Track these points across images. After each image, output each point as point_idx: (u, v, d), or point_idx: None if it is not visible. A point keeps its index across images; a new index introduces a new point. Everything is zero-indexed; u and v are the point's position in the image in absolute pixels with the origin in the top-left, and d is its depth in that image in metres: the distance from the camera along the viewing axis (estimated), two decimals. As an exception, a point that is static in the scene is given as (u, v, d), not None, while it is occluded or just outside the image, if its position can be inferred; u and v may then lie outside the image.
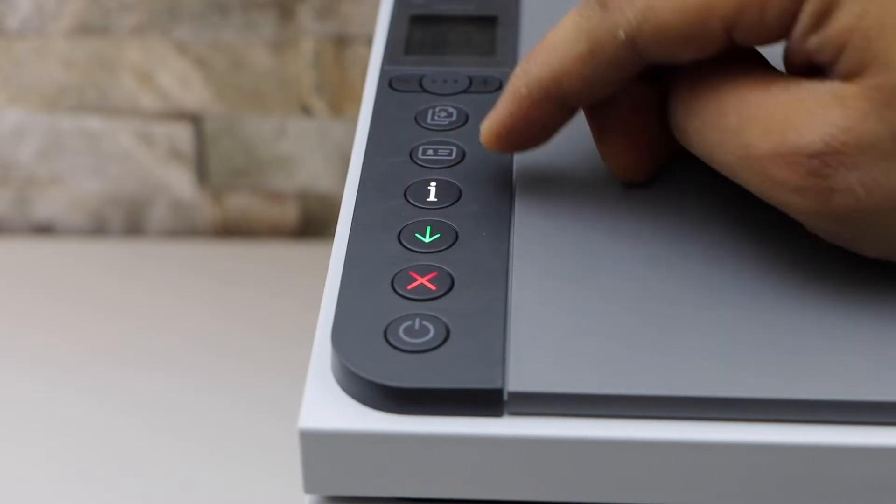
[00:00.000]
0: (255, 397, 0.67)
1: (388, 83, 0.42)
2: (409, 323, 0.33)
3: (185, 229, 0.78)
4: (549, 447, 0.31)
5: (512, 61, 0.42)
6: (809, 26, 0.32)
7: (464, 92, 0.41)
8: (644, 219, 0.36)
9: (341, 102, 0.74)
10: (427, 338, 0.32)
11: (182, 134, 0.75)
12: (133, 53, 0.73)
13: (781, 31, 0.32)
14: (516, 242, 0.35)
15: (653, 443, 0.31)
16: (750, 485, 0.31)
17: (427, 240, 0.35)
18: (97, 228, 0.79)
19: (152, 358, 0.70)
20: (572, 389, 0.31)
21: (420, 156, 0.38)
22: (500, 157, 0.38)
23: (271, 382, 0.68)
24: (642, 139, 0.36)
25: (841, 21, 0.31)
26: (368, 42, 0.71)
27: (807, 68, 0.32)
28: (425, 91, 0.41)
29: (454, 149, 0.39)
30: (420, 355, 0.32)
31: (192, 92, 0.74)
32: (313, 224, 0.78)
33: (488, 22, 0.45)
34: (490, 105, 0.40)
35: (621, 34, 0.33)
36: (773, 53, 0.34)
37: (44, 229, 0.79)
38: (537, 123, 0.35)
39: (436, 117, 0.40)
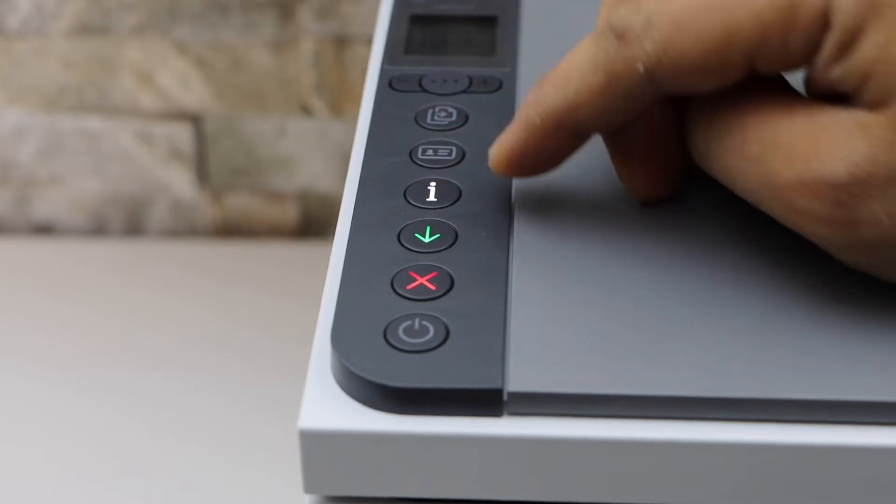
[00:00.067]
0: (255, 397, 0.67)
1: (388, 83, 0.42)
2: (409, 323, 0.33)
3: (185, 229, 0.78)
4: (548, 447, 0.31)
5: (512, 61, 0.42)
6: (833, 56, 0.31)
7: (464, 92, 0.41)
8: (645, 219, 0.36)
9: (341, 102, 0.74)
10: (427, 338, 0.32)
11: (182, 134, 0.75)
12: (133, 53, 0.73)
13: (804, 59, 0.32)
14: (516, 242, 0.35)
15: (653, 443, 0.31)
16: (750, 485, 0.31)
17: (427, 240, 0.35)
18: (97, 228, 0.79)
19: (152, 358, 0.70)
20: (572, 389, 0.31)
21: (420, 156, 0.38)
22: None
23: (271, 382, 0.68)
24: (661, 159, 0.35)
25: (865, 51, 0.30)
26: (368, 42, 0.71)
27: (829, 93, 0.32)
28: (425, 91, 0.41)
29: (454, 149, 0.39)
30: (420, 355, 0.32)
31: (192, 92, 0.74)
32: (313, 224, 0.78)
33: (488, 22, 0.45)
34: (490, 105, 0.40)
35: (640, 67, 0.32)
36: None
37: (44, 229, 0.79)
38: (549, 151, 0.35)
39: (436, 117, 0.40)
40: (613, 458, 0.31)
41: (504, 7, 0.45)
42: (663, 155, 0.35)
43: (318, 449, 0.32)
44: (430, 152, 0.38)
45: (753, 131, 0.32)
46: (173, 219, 0.78)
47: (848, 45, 0.31)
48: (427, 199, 0.37)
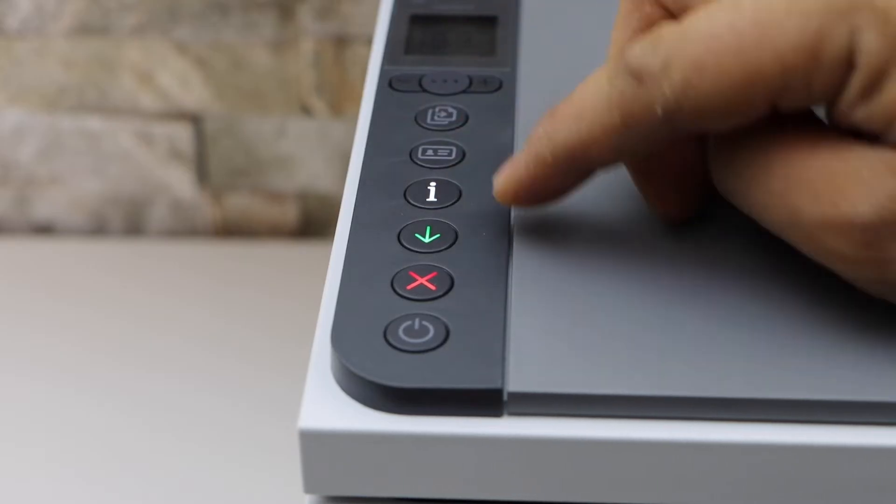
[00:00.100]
0: (255, 397, 0.67)
1: (388, 83, 0.42)
2: (409, 323, 0.33)
3: (185, 229, 0.78)
4: (548, 447, 0.31)
5: (512, 61, 0.42)
6: (858, 97, 0.30)
7: (464, 92, 0.41)
8: (645, 220, 0.36)
9: (341, 102, 0.74)
10: (427, 338, 0.32)
11: (182, 134, 0.75)
12: (133, 53, 0.73)
13: (827, 99, 0.31)
14: (516, 242, 0.35)
15: (652, 443, 0.31)
16: (749, 485, 0.31)
17: (427, 240, 0.35)
18: (97, 228, 0.79)
19: (152, 358, 0.70)
20: (572, 390, 0.31)
21: (420, 156, 0.38)
22: (500, 156, 0.38)
23: (271, 382, 0.68)
24: (685, 182, 0.35)
25: (891, 93, 0.30)
26: (368, 42, 0.71)
27: (853, 129, 0.31)
28: (425, 91, 0.41)
29: (454, 149, 0.39)
30: (420, 355, 0.32)
31: (192, 92, 0.74)
32: (313, 224, 0.78)
33: (488, 22, 0.45)
34: (490, 105, 0.40)
35: (658, 110, 0.31)
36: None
37: (44, 229, 0.79)
38: (557, 186, 0.34)
39: (436, 117, 0.40)
40: (613, 458, 0.31)
41: (504, 7, 0.45)
42: (687, 175, 0.35)
43: (318, 449, 0.32)
44: (430, 152, 0.38)
45: (777, 167, 0.31)
46: (173, 219, 0.78)
47: (874, 86, 0.30)
48: (427, 199, 0.37)
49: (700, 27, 0.31)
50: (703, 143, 0.34)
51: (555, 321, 0.33)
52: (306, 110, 0.74)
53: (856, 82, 0.30)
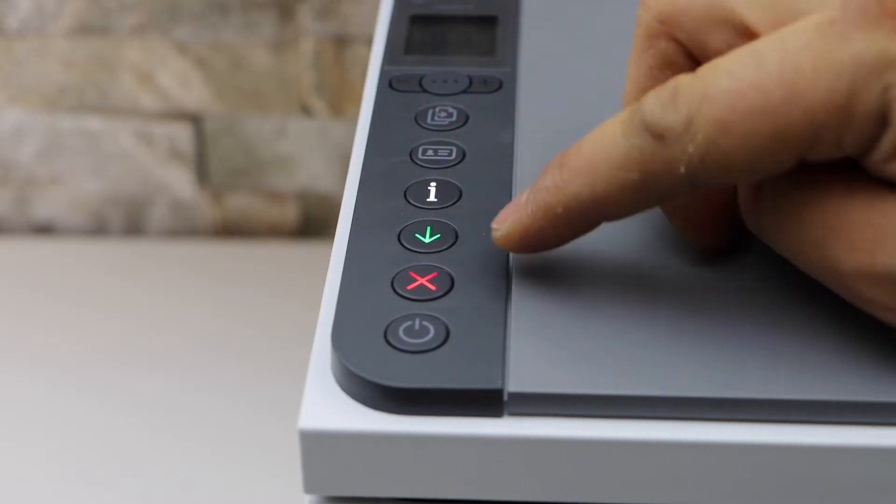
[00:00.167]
0: (255, 397, 0.67)
1: (388, 83, 0.42)
2: (409, 323, 0.33)
3: (185, 229, 0.78)
4: (548, 447, 0.31)
5: (512, 61, 0.42)
6: (890, 154, 0.29)
7: (464, 92, 0.41)
8: (646, 221, 0.36)
9: (341, 102, 0.74)
10: (427, 338, 0.32)
11: (182, 134, 0.75)
12: (133, 53, 0.73)
13: (858, 153, 0.30)
14: (516, 242, 0.35)
15: (652, 443, 0.31)
16: (749, 485, 0.31)
17: (427, 240, 0.35)
18: (97, 228, 0.79)
19: (152, 358, 0.70)
20: (572, 390, 0.31)
21: (420, 156, 0.38)
22: (500, 156, 0.38)
23: (271, 382, 0.68)
24: (719, 214, 0.34)
25: None
26: (368, 42, 0.71)
27: (885, 179, 0.30)
28: (425, 91, 0.41)
29: (454, 149, 0.39)
30: (420, 355, 0.32)
31: (192, 92, 0.74)
32: (313, 224, 0.78)
33: (488, 22, 0.45)
34: (490, 105, 0.40)
35: (681, 170, 0.30)
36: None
37: (44, 229, 0.79)
38: (565, 236, 0.33)
39: (436, 117, 0.40)
40: (613, 458, 0.31)
41: (504, 7, 0.45)
42: (722, 206, 0.34)
43: (319, 449, 0.32)
44: (430, 152, 0.38)
45: (810, 213, 0.30)
46: (173, 219, 0.78)
47: None
48: (427, 200, 0.37)
49: (722, 85, 0.30)
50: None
51: (555, 321, 0.33)
52: (306, 110, 0.74)
53: (889, 138, 0.29)
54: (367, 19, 0.71)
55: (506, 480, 0.32)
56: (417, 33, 0.44)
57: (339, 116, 0.74)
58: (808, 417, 0.31)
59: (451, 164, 0.38)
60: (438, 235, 0.35)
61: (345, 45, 0.72)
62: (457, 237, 0.35)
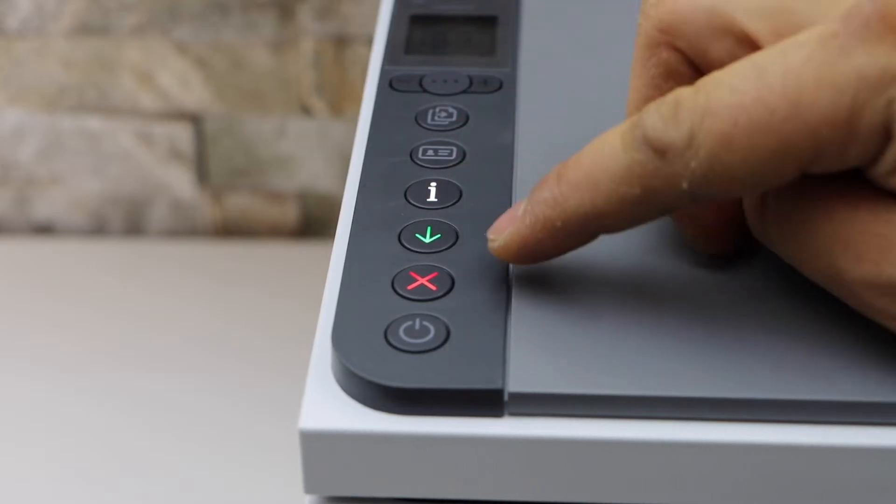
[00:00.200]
0: (255, 397, 0.67)
1: (388, 83, 0.42)
2: (410, 323, 0.33)
3: (185, 229, 0.78)
4: (549, 447, 0.31)
5: (512, 61, 0.42)
6: (894, 167, 0.29)
7: (464, 92, 0.41)
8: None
9: (341, 102, 0.74)
10: (427, 338, 0.32)
11: (182, 134, 0.75)
12: (133, 53, 0.73)
13: (861, 166, 0.30)
14: (516, 242, 0.35)
15: (652, 443, 0.31)
16: (749, 485, 0.31)
17: (427, 240, 0.35)
18: (97, 228, 0.79)
19: (152, 358, 0.70)
20: (572, 390, 0.31)
21: (420, 156, 0.38)
22: (500, 156, 0.38)
23: (271, 382, 0.68)
24: (731, 221, 0.34)
25: None
26: (368, 42, 0.71)
27: (889, 191, 0.30)
28: (425, 91, 0.41)
29: (454, 149, 0.39)
30: (420, 355, 0.32)
31: (192, 92, 0.74)
32: (313, 224, 0.78)
33: (488, 22, 0.45)
34: (490, 105, 0.40)
35: (683, 185, 0.30)
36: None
37: (44, 229, 0.79)
38: (563, 248, 0.33)
39: (436, 117, 0.40)
40: (613, 458, 0.31)
41: (504, 7, 0.45)
42: (735, 214, 0.34)
43: (319, 449, 0.32)
44: (430, 152, 0.38)
45: (815, 223, 0.30)
46: (173, 219, 0.78)
47: None
48: (427, 200, 0.37)
49: (724, 99, 0.29)
50: None
51: (555, 321, 0.33)
52: (306, 110, 0.74)
53: (893, 152, 0.29)
54: (367, 19, 0.71)
55: (506, 480, 0.32)
56: (417, 33, 0.44)
57: (339, 116, 0.74)
58: (809, 417, 0.31)
59: (451, 164, 0.38)
60: (439, 235, 0.35)
61: (345, 45, 0.72)
62: (457, 237, 0.35)
